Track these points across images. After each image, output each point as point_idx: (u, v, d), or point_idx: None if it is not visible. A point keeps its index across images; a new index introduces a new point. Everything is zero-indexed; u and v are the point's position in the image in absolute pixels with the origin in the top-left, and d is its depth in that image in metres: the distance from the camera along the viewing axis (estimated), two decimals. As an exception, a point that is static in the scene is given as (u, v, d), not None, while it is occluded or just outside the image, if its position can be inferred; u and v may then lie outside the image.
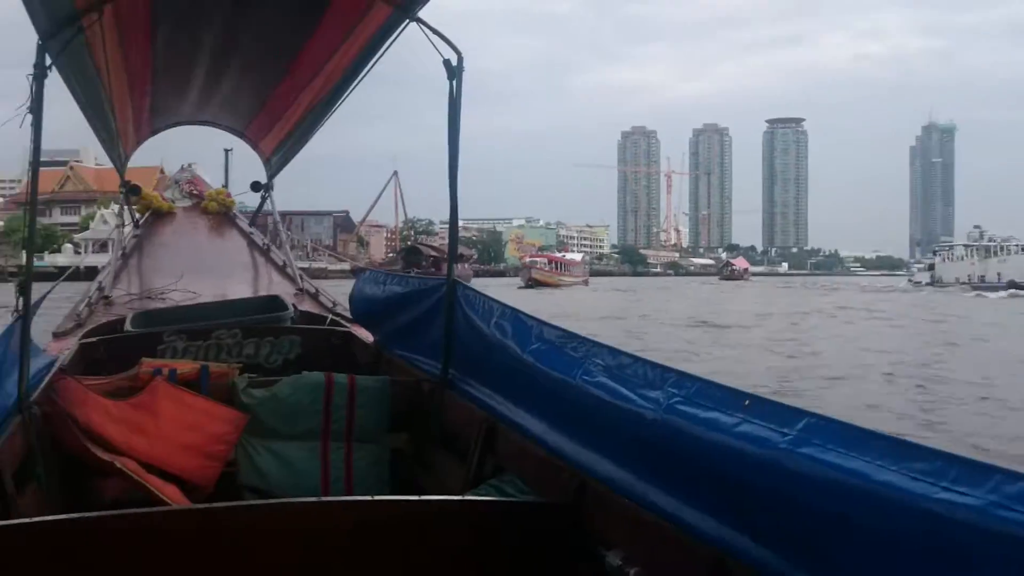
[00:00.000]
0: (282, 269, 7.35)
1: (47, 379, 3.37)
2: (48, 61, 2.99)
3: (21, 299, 3.22)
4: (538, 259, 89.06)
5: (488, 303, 3.40)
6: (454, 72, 3.48)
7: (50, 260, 67.99)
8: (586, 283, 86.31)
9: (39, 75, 2.96)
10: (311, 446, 3.73)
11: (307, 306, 6.13)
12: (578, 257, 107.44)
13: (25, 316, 3.08)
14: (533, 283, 73.55)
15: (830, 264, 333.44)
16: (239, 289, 6.59)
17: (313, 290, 6.81)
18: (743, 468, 1.87)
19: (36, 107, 2.97)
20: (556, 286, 74.11)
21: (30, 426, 3.04)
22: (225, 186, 8.66)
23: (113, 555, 2.21)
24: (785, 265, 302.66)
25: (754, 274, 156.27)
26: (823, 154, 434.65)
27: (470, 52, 3.50)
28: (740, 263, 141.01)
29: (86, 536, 2.22)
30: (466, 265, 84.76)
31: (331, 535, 2.35)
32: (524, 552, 2.47)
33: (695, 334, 25.71)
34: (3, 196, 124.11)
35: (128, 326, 5.13)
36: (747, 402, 1.95)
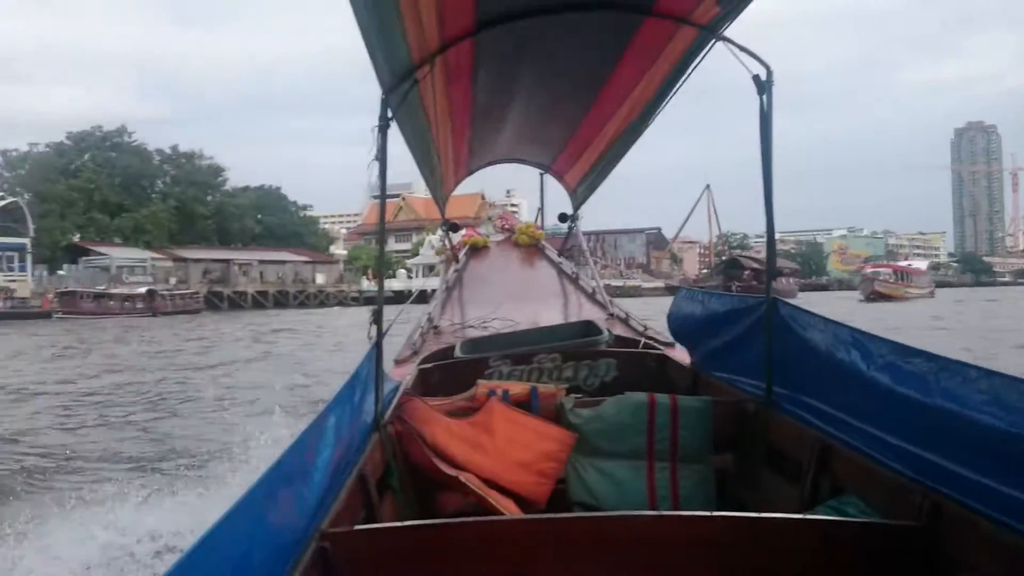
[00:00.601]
0: (591, 296, 7.73)
1: (395, 401, 3.84)
2: (390, 114, 3.43)
3: (374, 327, 3.69)
4: (881, 269, 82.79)
5: (815, 319, 3.38)
6: (764, 87, 3.51)
7: (387, 285, 75.19)
8: (932, 295, 79.22)
9: (383, 127, 3.41)
10: (637, 465, 3.89)
11: (618, 330, 6.36)
12: (923, 266, 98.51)
13: (378, 346, 3.54)
14: (875, 296, 68.88)
15: None
16: (551, 316, 7.01)
17: (623, 315, 7.08)
18: None
19: (382, 156, 3.42)
20: (902, 299, 68.42)
21: (386, 442, 3.51)
22: (541, 208, 9.23)
23: (459, 559, 2.51)
24: None
25: None
26: None
27: (777, 57, 3.51)
28: None
29: (437, 541, 2.56)
30: (790, 280, 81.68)
31: (662, 549, 2.47)
32: None
33: None
34: (347, 228, 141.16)
35: (458, 352, 5.68)
36: None
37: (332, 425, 2.72)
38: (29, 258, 72.39)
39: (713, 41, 3.62)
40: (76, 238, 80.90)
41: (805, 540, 2.52)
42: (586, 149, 5.89)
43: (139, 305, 66.42)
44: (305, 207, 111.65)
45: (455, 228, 9.08)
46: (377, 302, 3.66)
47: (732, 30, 3.53)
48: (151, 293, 68.96)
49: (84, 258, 78.02)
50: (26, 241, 72.00)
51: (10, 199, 74.71)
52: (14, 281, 68.83)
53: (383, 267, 3.77)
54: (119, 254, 79.26)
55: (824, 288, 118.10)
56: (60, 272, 74.46)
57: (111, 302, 65.51)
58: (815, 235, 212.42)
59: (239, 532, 1.90)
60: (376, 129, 3.41)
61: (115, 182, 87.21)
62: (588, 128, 5.36)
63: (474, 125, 5.41)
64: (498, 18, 3.43)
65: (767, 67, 3.49)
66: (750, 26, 3.60)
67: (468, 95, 4.53)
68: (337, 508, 2.62)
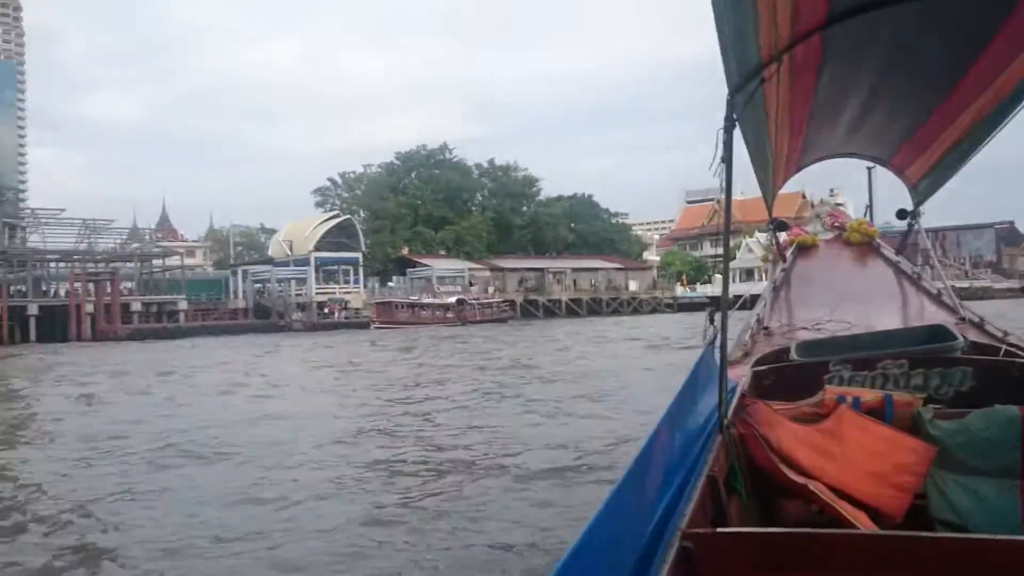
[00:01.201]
0: (937, 298, 7.30)
1: (735, 402, 3.88)
2: (735, 115, 3.49)
3: (711, 328, 3.76)
4: None
5: None
6: None
7: (702, 291, 75.48)
8: None
9: (728, 128, 3.47)
10: (1008, 484, 3.64)
11: (972, 336, 5.95)
12: None
13: (722, 346, 3.62)
14: None
15: None
16: (889, 319, 6.72)
17: (977, 319, 6.65)
18: None
19: (727, 157, 3.49)
20: None
21: (730, 445, 3.56)
22: (869, 205, 8.85)
23: (812, 570, 2.49)
24: None
25: None
26: None
27: None
28: None
29: (794, 549, 2.56)
30: None
31: None
32: None
33: None
34: (660, 234, 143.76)
35: (793, 355, 5.57)
36: None
37: (674, 424, 2.82)
38: (362, 271, 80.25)
39: None
40: (404, 251, 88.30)
41: None
42: (934, 141, 5.55)
43: (449, 314, 71.33)
44: (617, 215, 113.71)
45: (783, 226, 8.91)
46: (722, 312, 3.73)
47: None
48: (460, 302, 73.77)
49: (410, 269, 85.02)
50: (359, 255, 79.85)
51: (344, 217, 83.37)
52: (348, 293, 76.67)
53: (728, 268, 3.82)
54: (440, 265, 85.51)
55: None
56: (390, 284, 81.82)
57: (423, 312, 71.10)
58: None
59: (612, 528, 2.05)
60: (721, 131, 3.47)
61: (438, 197, 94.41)
62: (938, 119, 5.05)
63: (811, 121, 5.31)
64: (853, 9, 3.34)
65: None
66: None
67: (810, 92, 4.47)
68: (693, 509, 2.70)
